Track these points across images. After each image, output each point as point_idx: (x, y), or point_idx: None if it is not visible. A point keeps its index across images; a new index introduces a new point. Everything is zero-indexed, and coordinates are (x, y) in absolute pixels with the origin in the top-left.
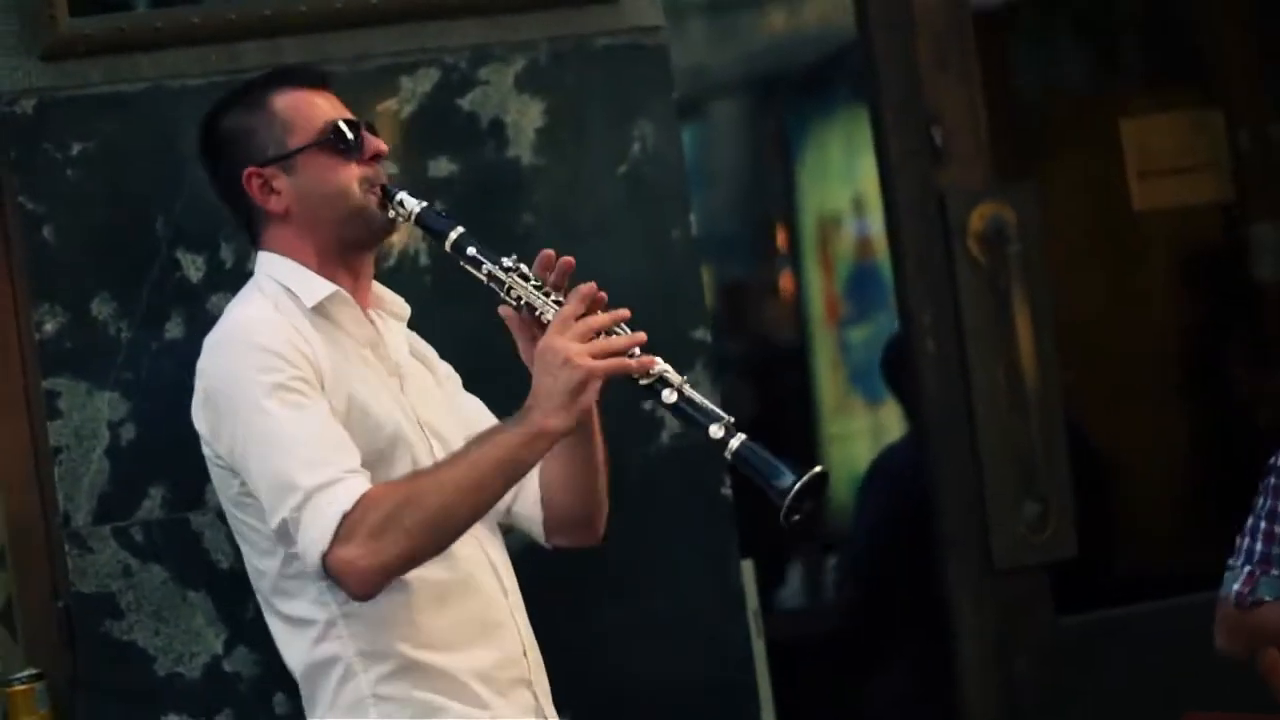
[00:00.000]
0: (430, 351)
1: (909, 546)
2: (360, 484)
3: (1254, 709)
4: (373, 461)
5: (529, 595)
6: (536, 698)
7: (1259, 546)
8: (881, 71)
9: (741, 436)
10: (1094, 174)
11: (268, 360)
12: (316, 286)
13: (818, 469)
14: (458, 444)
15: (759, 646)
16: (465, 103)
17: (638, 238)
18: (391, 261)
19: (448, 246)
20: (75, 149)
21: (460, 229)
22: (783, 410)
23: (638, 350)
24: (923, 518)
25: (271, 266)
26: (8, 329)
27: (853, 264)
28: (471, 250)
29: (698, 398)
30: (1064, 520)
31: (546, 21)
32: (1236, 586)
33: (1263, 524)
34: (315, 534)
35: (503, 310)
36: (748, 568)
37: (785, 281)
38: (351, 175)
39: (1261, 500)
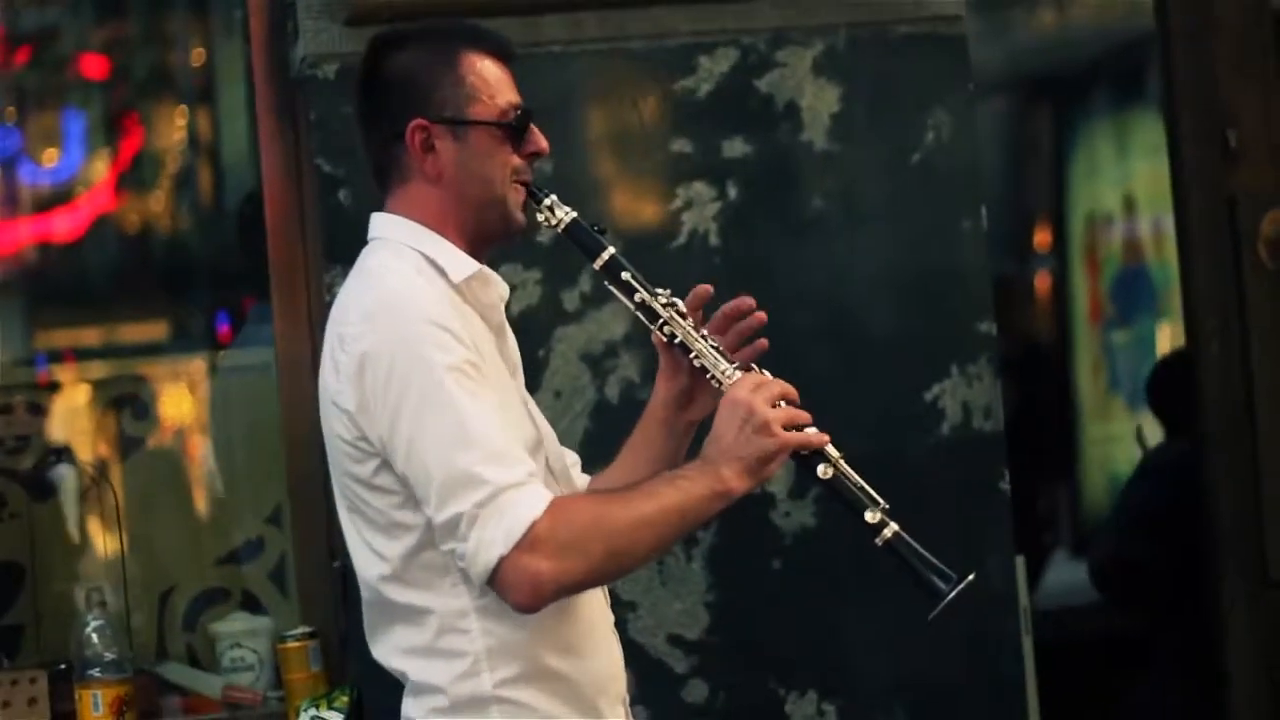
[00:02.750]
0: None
1: (1174, 548)
2: (544, 491)
3: None
4: None
5: (802, 585)
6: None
7: None
8: (1179, 73)
9: (894, 526)
10: None
11: (443, 338)
12: (462, 262)
13: (970, 576)
14: (555, 448)
15: (1028, 644)
16: (762, 84)
17: (927, 227)
18: (681, 239)
19: (597, 265)
20: None
21: (612, 250)
22: (1043, 410)
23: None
24: (1190, 520)
25: (406, 233)
26: (298, 290)
27: (1120, 265)
28: (625, 275)
29: (854, 476)
30: None
31: (847, 7)
32: None
33: None
34: (499, 534)
35: (655, 338)
36: (1020, 564)
37: (1051, 280)
38: (509, 163)
39: None
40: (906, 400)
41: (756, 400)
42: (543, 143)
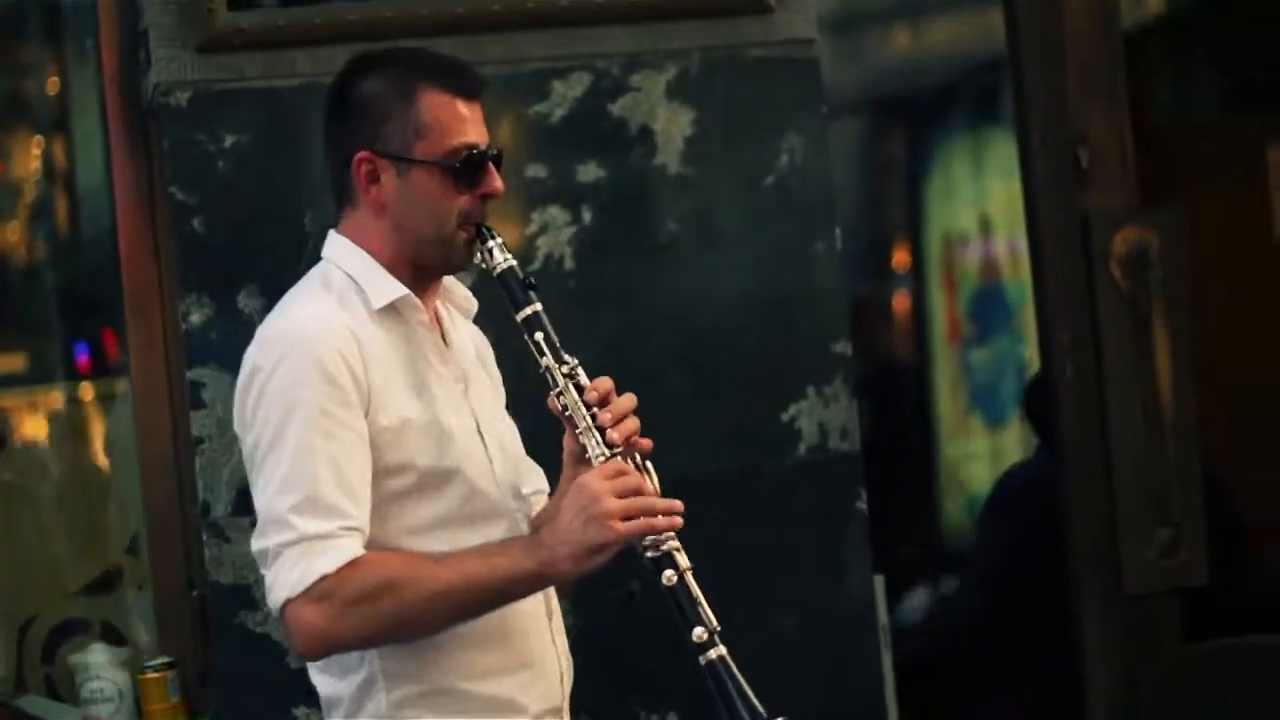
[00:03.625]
0: (490, 354)
1: (1035, 566)
2: (353, 547)
3: None
4: (425, 478)
5: (662, 607)
6: None
7: None
8: (1029, 93)
9: (721, 650)
10: (1236, 202)
11: (314, 377)
12: (386, 288)
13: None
14: (517, 458)
15: (887, 661)
16: (615, 109)
17: (782, 249)
18: (537, 264)
19: (518, 318)
20: (228, 141)
21: (538, 306)
22: (902, 430)
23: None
24: (1050, 538)
25: (342, 257)
26: (154, 318)
27: (976, 285)
28: (539, 336)
29: (696, 590)
30: (1196, 546)
31: (699, 31)
32: None
33: None
34: (290, 579)
35: (550, 402)
36: (879, 582)
37: (908, 301)
38: (455, 205)
39: None
40: (763, 421)
41: (603, 489)
42: (496, 185)
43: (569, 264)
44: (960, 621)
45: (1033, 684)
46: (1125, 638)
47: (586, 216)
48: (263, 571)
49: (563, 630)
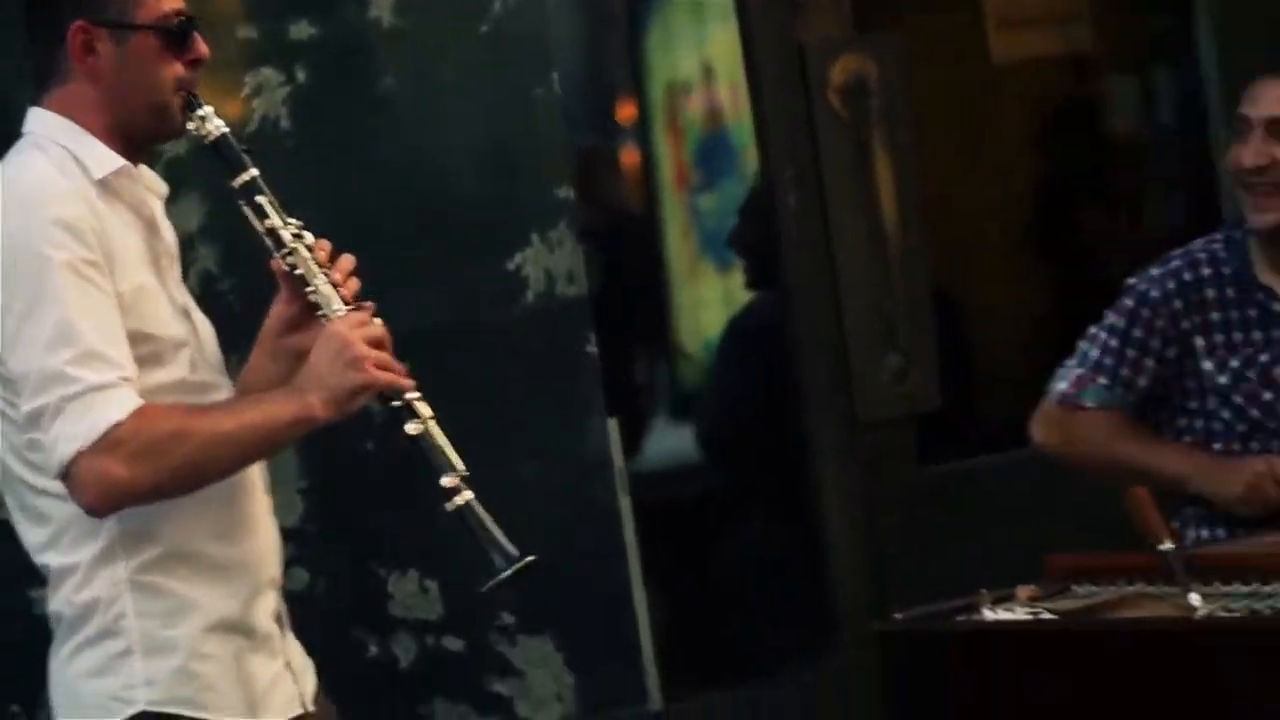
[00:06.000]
0: (174, 236)
1: (771, 402)
2: (134, 396)
3: (1115, 549)
4: (161, 345)
5: (396, 465)
6: (277, 601)
7: (1095, 354)
8: None
9: (469, 495)
10: (953, 26)
11: (61, 236)
12: (105, 158)
13: (530, 558)
14: (210, 343)
15: (625, 504)
16: None
17: (501, 97)
18: (253, 126)
19: (235, 184)
20: None
21: (255, 171)
22: (633, 278)
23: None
24: (784, 373)
25: (53, 130)
26: None
27: (702, 132)
28: (260, 199)
29: (441, 438)
30: (927, 372)
31: None
32: (1063, 386)
33: (1104, 336)
34: (78, 430)
35: (275, 264)
36: (613, 426)
37: (634, 150)
38: (173, 72)
39: (1113, 318)
40: (489, 271)
41: (354, 336)
42: (203, 49)
43: (285, 124)
44: (700, 462)
45: (774, 516)
46: (861, 464)
47: (301, 75)
48: (33, 435)
49: (271, 508)
